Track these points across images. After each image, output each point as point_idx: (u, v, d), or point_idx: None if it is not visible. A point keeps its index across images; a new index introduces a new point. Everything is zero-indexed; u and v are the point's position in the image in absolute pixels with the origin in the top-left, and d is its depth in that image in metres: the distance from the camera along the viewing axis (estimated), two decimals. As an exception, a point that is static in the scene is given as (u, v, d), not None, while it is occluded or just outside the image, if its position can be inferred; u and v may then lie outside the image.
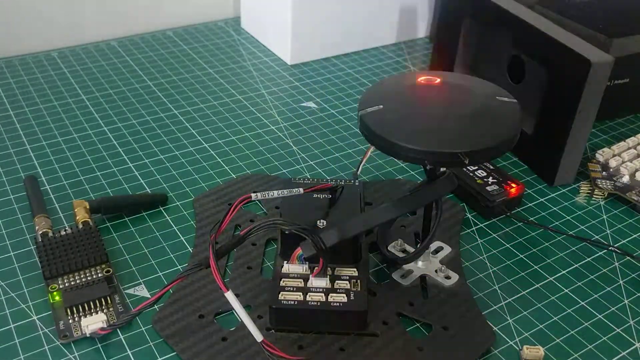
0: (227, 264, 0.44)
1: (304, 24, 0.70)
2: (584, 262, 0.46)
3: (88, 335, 0.38)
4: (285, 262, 0.40)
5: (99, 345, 0.39)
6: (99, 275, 0.42)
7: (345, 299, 0.39)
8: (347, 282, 0.40)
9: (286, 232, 0.40)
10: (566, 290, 0.44)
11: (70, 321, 0.39)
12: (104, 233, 0.46)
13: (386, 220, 0.40)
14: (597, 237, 0.49)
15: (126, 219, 0.48)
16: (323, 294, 0.39)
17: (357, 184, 0.46)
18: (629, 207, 0.52)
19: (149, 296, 0.42)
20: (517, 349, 0.39)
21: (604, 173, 0.54)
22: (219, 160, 0.55)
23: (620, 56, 0.55)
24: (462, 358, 0.38)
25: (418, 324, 0.41)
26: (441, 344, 0.39)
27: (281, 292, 0.39)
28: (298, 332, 0.39)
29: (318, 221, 0.41)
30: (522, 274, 0.45)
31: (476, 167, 0.52)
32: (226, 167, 0.54)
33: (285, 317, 0.39)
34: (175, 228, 0.48)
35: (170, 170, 0.54)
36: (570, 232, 0.49)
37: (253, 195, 0.39)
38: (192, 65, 0.70)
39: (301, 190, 0.42)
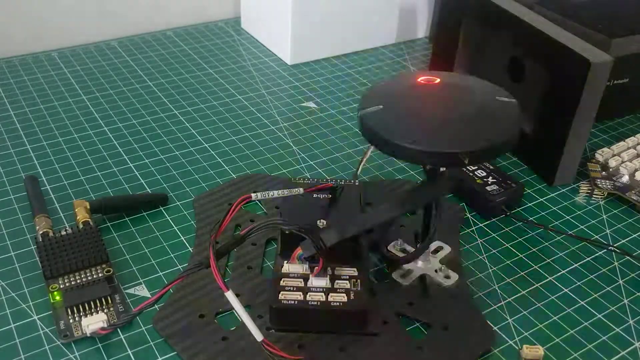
0: (227, 264, 0.44)
1: (304, 24, 0.70)
2: (584, 262, 0.46)
3: (88, 335, 0.38)
4: (285, 262, 0.40)
5: (100, 345, 0.39)
6: (99, 275, 0.42)
7: (345, 299, 0.39)
8: (347, 281, 0.40)
9: (286, 232, 0.40)
10: (566, 290, 0.44)
11: (71, 321, 0.39)
12: (104, 233, 0.46)
13: (386, 220, 0.40)
14: (596, 237, 0.49)
15: (126, 219, 0.48)
16: (323, 294, 0.39)
17: (357, 184, 0.46)
18: (628, 207, 0.52)
19: (149, 296, 0.42)
20: (517, 348, 0.40)
21: (603, 173, 0.54)
22: (219, 160, 0.55)
23: (620, 56, 0.55)
24: (462, 358, 0.38)
25: (418, 324, 0.41)
26: (441, 343, 0.39)
27: (281, 292, 0.39)
28: (298, 332, 0.39)
29: (318, 221, 0.41)
30: (522, 273, 0.45)
31: (476, 167, 0.52)
32: (226, 167, 0.54)
33: (285, 317, 0.39)
34: (175, 228, 0.48)
35: (170, 170, 0.54)
36: (570, 232, 0.49)
37: (253, 195, 0.39)
38: (192, 65, 0.70)
39: (301, 190, 0.42)
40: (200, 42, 0.75)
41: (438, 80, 0.42)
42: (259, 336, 0.36)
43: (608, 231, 0.49)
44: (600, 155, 0.56)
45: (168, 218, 0.48)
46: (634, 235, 0.49)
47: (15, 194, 0.50)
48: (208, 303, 0.41)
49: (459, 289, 0.43)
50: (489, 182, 0.50)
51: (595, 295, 0.44)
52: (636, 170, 0.54)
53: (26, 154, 0.55)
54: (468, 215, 0.50)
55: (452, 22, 0.63)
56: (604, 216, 0.51)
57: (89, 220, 0.46)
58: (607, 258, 0.47)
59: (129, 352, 0.38)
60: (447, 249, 0.46)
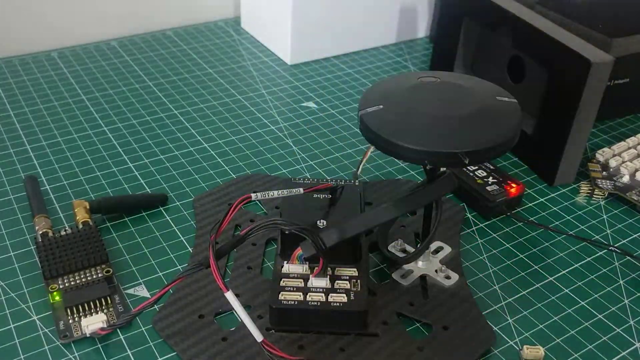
0: (227, 264, 0.44)
1: (304, 24, 0.70)
2: (584, 262, 0.46)
3: (88, 335, 0.38)
4: (285, 262, 0.40)
5: (99, 345, 0.39)
6: (99, 275, 0.42)
7: (345, 299, 0.39)
8: (347, 282, 0.40)
9: (286, 232, 0.40)
10: (566, 290, 0.44)
11: (70, 321, 0.39)
12: (104, 233, 0.46)
13: (386, 220, 0.40)
14: (597, 237, 0.49)
15: (126, 219, 0.48)
16: (323, 294, 0.39)
17: (357, 184, 0.46)
18: (629, 207, 0.52)
19: (149, 296, 0.42)
20: (517, 349, 0.39)
21: (604, 173, 0.54)
22: (219, 160, 0.55)
23: (620, 56, 0.55)
24: (462, 358, 0.38)
25: (418, 324, 0.41)
26: (441, 344, 0.39)
27: (281, 292, 0.39)
28: (298, 332, 0.39)
29: (318, 221, 0.41)
30: (522, 274, 0.45)
31: (476, 167, 0.52)
32: (226, 167, 0.54)
33: (285, 317, 0.39)
34: (175, 228, 0.48)
35: (170, 170, 0.54)
36: (571, 232, 0.49)
37: (253, 195, 0.39)
38: (192, 65, 0.70)
39: (301, 190, 0.42)
40: (200, 42, 0.75)
41: (438, 80, 0.42)
42: (258, 337, 0.36)
43: (608, 231, 0.49)
44: (601, 155, 0.56)
45: (168, 218, 0.48)
46: (635, 236, 0.49)
47: (15, 194, 0.50)
48: (208, 303, 0.41)
49: (460, 289, 0.43)
50: (490, 182, 0.50)
51: (596, 296, 0.44)
52: (637, 170, 0.54)
53: (26, 154, 0.55)
54: (468, 215, 0.50)
55: (453, 22, 0.63)
56: (605, 216, 0.51)
57: (89, 220, 0.45)
58: (608, 258, 0.47)
59: (129, 352, 0.38)
60: (447, 249, 0.46)
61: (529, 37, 0.53)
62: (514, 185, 0.50)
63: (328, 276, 0.40)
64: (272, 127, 0.60)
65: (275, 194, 0.40)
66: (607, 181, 0.53)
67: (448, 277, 0.43)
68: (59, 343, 0.38)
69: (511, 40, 0.56)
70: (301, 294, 0.39)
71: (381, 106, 0.39)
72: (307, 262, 0.40)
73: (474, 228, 0.49)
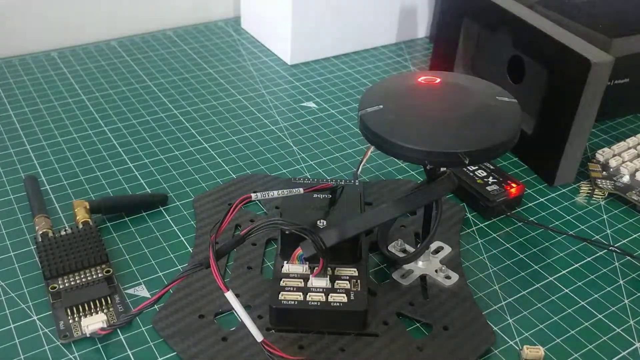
0: (227, 264, 0.44)
1: (304, 24, 0.69)
2: (584, 262, 0.46)
3: (88, 336, 0.38)
4: (285, 262, 0.40)
5: (99, 345, 0.39)
6: (99, 275, 0.42)
7: (345, 299, 0.39)
8: (347, 282, 0.40)
9: (286, 232, 0.40)
10: (566, 290, 0.44)
11: (71, 321, 0.39)
12: (104, 233, 0.46)
13: (386, 220, 0.40)
14: (597, 237, 0.49)
15: (126, 219, 0.48)
16: (323, 294, 0.39)
17: (357, 184, 0.46)
18: (629, 207, 0.52)
19: (149, 296, 0.42)
20: (517, 349, 0.39)
21: (604, 173, 0.54)
22: (219, 160, 0.55)
23: (620, 56, 0.55)
24: (462, 358, 0.38)
25: (418, 324, 0.41)
26: (441, 344, 0.39)
27: (281, 292, 0.39)
28: (298, 332, 0.39)
29: (318, 221, 0.41)
30: (522, 274, 0.45)
31: (476, 167, 0.52)
32: (226, 167, 0.54)
33: (286, 317, 0.39)
34: (175, 228, 0.48)
35: (170, 170, 0.54)
36: (571, 232, 0.49)
37: (253, 195, 0.39)
38: (192, 65, 0.70)
39: (301, 190, 0.42)
40: (200, 42, 0.75)
41: (438, 80, 0.42)
42: (259, 336, 0.36)
43: (608, 231, 0.49)
44: (601, 155, 0.56)
45: (168, 218, 0.48)
46: (635, 236, 0.49)
47: (15, 194, 0.50)
48: (208, 303, 0.41)
49: (459, 289, 0.43)
50: (489, 182, 0.50)
51: (596, 296, 0.44)
52: (637, 170, 0.54)
53: (26, 154, 0.55)
54: (468, 215, 0.50)
55: (453, 22, 0.63)
56: (605, 216, 0.51)
57: (89, 220, 0.45)
58: (608, 258, 0.47)
59: (129, 352, 0.38)
60: (447, 249, 0.46)
61: (529, 37, 0.53)
62: (514, 185, 0.50)
63: (328, 276, 0.40)
64: (272, 127, 0.60)
65: (275, 194, 0.40)
66: (607, 181, 0.53)
67: (448, 277, 0.43)
68: (59, 343, 0.38)
69: (511, 40, 0.56)
70: (301, 294, 0.39)
71: (381, 106, 0.39)
72: (307, 262, 0.40)
73: (474, 228, 0.49)
